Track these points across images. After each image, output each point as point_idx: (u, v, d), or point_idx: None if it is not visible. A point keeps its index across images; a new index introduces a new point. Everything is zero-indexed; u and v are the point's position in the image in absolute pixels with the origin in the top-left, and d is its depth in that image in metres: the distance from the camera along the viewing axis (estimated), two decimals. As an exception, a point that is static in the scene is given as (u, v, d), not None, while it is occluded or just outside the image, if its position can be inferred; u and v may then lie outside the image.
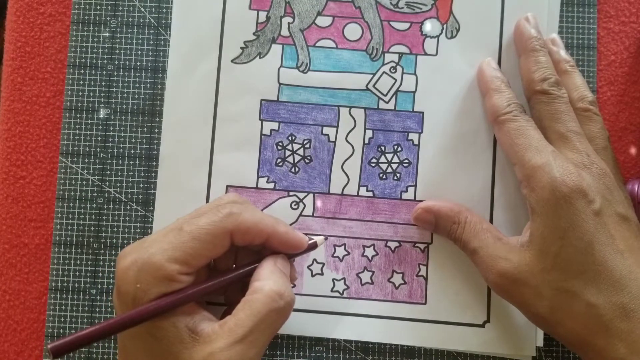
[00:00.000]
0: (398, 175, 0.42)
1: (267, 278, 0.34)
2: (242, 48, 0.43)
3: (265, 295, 0.33)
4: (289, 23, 0.43)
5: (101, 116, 0.41)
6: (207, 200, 0.42)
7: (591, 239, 0.34)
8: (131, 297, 0.32)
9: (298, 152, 0.42)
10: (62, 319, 0.42)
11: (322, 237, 0.39)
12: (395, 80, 0.42)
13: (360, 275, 0.42)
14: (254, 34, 0.43)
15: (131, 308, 0.32)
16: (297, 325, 0.41)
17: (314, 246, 0.38)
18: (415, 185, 0.42)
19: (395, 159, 0.42)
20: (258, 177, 0.42)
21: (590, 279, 0.34)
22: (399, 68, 0.42)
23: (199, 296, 0.34)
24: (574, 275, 0.34)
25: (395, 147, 0.42)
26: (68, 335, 0.31)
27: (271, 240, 0.35)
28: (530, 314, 0.36)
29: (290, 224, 0.42)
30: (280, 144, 0.42)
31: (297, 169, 0.42)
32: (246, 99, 0.42)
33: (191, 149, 0.42)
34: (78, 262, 0.42)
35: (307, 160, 0.42)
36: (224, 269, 0.37)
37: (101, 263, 0.42)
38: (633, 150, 0.36)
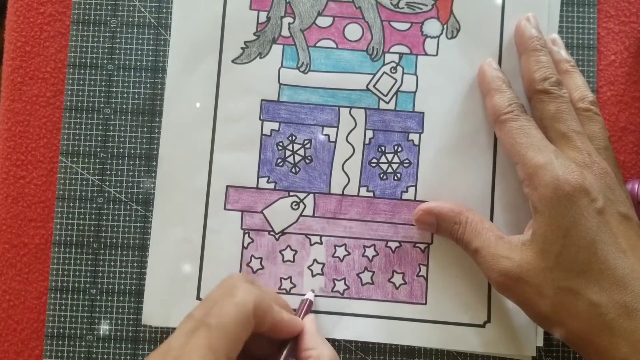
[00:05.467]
0: (398, 175, 0.42)
1: (318, 345, 0.36)
2: (242, 48, 0.43)
3: None
4: (289, 23, 0.43)
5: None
6: (207, 200, 0.42)
7: (594, 237, 0.34)
8: None
9: (298, 152, 0.42)
10: (62, 319, 0.42)
11: (311, 293, 0.41)
12: (396, 80, 0.42)
13: (360, 275, 0.42)
14: (254, 34, 0.43)
15: None
16: (297, 325, 0.41)
17: (310, 306, 0.40)
18: (415, 186, 0.42)
19: (396, 159, 0.42)
20: (258, 177, 0.42)
21: (592, 278, 0.34)
22: (399, 68, 0.42)
23: None
24: (577, 274, 0.34)
25: (396, 147, 0.42)
26: None
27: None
28: (532, 312, 0.36)
29: (291, 224, 0.42)
30: (281, 144, 0.42)
31: (297, 169, 0.42)
32: (246, 99, 0.42)
33: (191, 149, 0.42)
34: (78, 262, 0.42)
35: (307, 161, 0.42)
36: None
37: (101, 263, 0.42)
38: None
